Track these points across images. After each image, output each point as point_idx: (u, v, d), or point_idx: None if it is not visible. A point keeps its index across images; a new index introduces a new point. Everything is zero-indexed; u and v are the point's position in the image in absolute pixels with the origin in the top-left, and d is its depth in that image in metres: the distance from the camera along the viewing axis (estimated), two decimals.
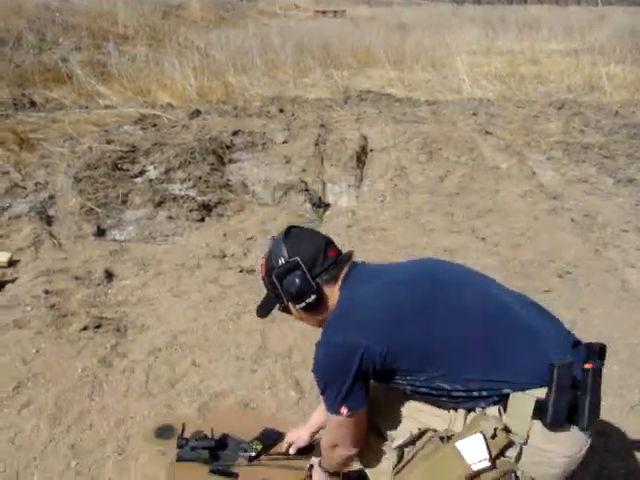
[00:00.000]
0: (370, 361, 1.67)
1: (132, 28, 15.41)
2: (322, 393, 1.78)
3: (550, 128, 8.09)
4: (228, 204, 5.32)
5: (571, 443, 1.62)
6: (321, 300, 1.83)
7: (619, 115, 8.91)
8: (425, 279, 1.84)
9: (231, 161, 6.47)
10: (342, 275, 1.86)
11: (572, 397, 1.58)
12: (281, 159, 6.49)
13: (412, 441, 1.79)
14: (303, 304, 1.83)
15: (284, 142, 7.11)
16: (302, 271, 1.81)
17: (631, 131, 7.89)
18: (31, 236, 4.49)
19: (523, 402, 1.61)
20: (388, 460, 1.86)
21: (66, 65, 10.58)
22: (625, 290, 4.13)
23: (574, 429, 1.61)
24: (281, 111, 8.84)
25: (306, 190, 5.55)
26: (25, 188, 5.35)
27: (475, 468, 1.59)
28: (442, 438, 1.72)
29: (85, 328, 3.41)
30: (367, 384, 1.77)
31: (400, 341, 1.69)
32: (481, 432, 1.62)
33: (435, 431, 1.76)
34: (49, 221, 4.85)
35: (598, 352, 1.67)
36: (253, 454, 2.47)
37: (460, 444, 1.64)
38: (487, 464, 1.59)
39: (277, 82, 11.22)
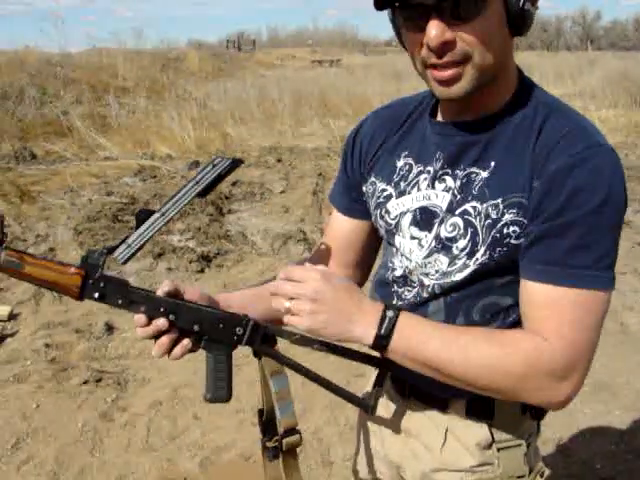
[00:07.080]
0: None
1: (131, 80, 15.74)
2: (593, 233, 0.94)
3: None
4: (227, 255, 5.35)
5: None
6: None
7: None
8: None
9: (230, 211, 6.54)
10: None
11: None
12: (279, 209, 6.56)
13: None
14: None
15: (282, 192, 7.21)
16: None
17: (625, 173, 7.95)
18: (31, 289, 4.51)
19: None
20: None
21: (67, 118, 10.79)
22: (624, 333, 4.13)
23: None
24: (279, 161, 8.95)
25: (305, 239, 5.59)
26: (25, 240, 5.40)
27: None
28: None
29: (86, 382, 3.41)
30: None
31: None
32: None
33: None
34: None
35: None
36: None
37: None
38: None
39: (275, 132, 11.40)
